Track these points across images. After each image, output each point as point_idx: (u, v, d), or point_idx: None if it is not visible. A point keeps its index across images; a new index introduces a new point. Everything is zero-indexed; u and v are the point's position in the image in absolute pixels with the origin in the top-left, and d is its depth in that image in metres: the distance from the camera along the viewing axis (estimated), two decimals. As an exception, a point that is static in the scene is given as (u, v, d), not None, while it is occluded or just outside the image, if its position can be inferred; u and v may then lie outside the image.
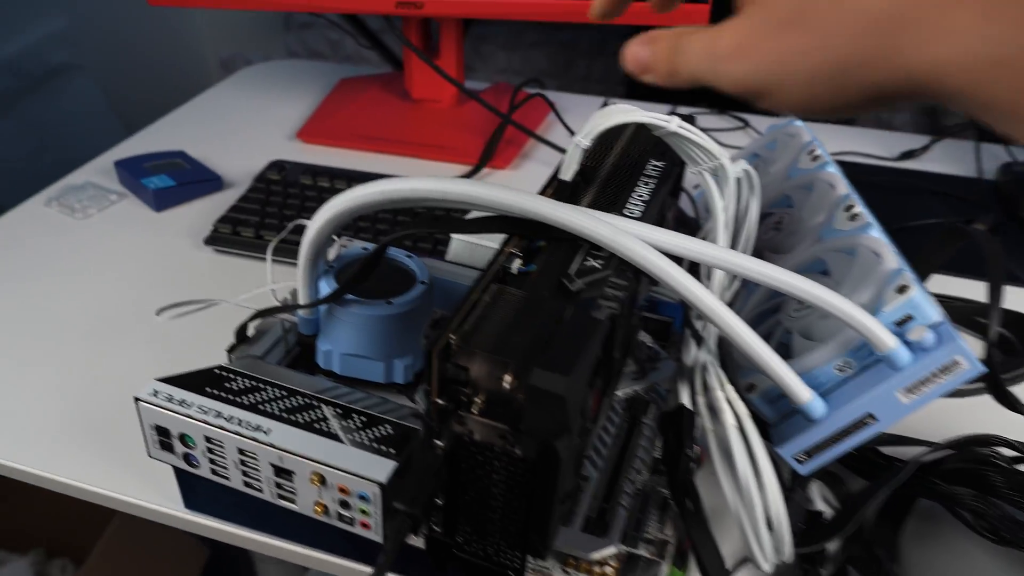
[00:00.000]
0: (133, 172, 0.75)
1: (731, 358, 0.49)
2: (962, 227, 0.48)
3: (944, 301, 0.63)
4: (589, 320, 0.34)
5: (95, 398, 0.54)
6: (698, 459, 0.47)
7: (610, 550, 0.38)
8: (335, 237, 0.49)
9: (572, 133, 0.90)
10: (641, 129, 0.47)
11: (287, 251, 0.65)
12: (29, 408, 0.53)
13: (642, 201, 0.42)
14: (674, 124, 0.39)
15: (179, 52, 1.77)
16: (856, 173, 0.60)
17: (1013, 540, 0.41)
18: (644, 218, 0.40)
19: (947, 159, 0.90)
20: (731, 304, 0.47)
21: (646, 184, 0.43)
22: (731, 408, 0.39)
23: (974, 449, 0.45)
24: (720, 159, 0.41)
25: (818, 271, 0.46)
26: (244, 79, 1.08)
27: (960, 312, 0.62)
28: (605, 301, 0.36)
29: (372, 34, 1.04)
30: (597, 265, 0.37)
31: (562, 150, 0.87)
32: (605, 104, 0.50)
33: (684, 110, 1.00)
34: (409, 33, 0.88)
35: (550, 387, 0.30)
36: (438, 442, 0.34)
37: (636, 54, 0.37)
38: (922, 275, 0.41)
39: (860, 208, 0.46)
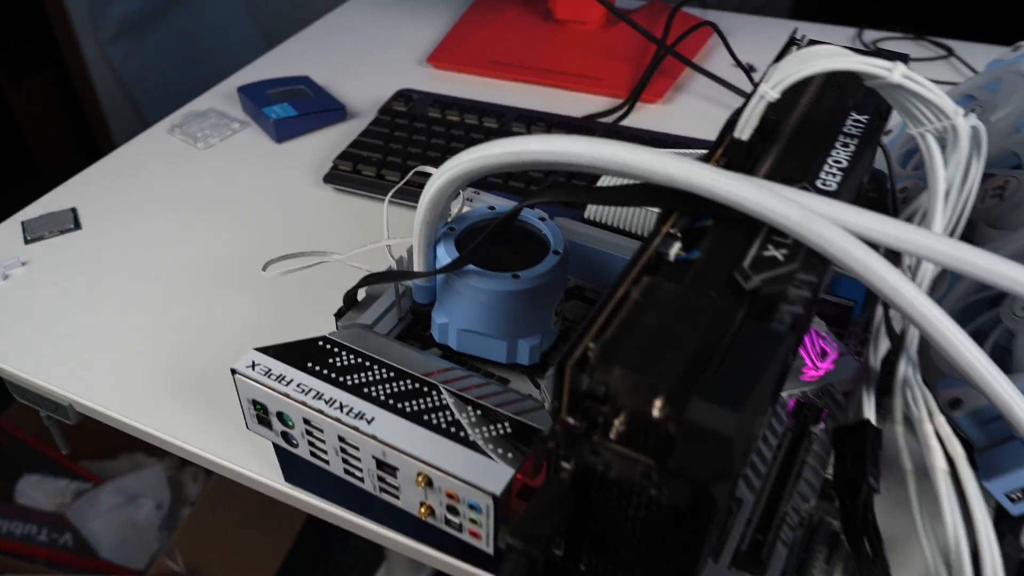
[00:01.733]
0: (255, 99, 0.71)
1: (928, 360, 0.40)
2: None
3: None
4: (768, 334, 0.26)
5: (200, 349, 0.51)
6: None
7: (767, 601, 0.31)
8: (460, 191, 0.43)
9: (737, 62, 0.79)
10: (838, 74, 0.37)
11: (410, 193, 0.60)
12: (133, 355, 0.51)
13: (840, 170, 0.33)
14: (897, 74, 0.29)
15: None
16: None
17: None
18: (842, 192, 0.31)
19: None
20: (931, 291, 0.38)
21: (845, 147, 0.34)
22: (942, 447, 0.30)
23: None
24: (953, 119, 0.31)
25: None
26: (377, -4, 1.02)
27: None
28: (788, 305, 0.28)
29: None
30: (779, 256, 0.29)
31: (723, 82, 0.76)
32: (797, 38, 0.41)
33: (871, 35, 0.86)
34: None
35: (713, 425, 0.23)
36: (565, 465, 0.28)
37: None
38: None
39: None
